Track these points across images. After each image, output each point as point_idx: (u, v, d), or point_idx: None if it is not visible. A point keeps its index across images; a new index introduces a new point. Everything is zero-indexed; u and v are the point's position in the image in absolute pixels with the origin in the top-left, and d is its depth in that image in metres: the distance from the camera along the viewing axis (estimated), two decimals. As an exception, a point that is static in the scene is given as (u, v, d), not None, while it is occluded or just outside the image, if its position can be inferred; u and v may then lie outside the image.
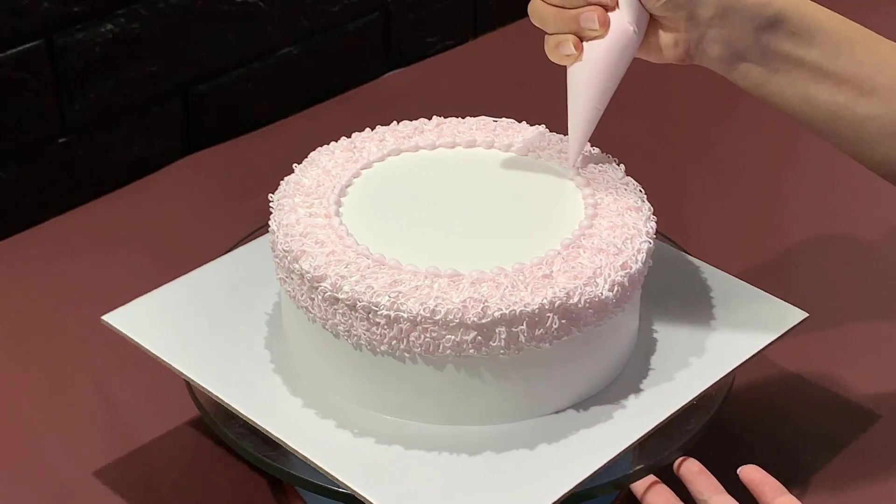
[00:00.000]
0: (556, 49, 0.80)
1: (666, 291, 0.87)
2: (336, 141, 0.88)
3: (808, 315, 0.86)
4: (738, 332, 0.84)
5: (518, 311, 0.73)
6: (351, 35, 1.33)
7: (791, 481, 0.86)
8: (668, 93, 1.27)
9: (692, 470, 0.80)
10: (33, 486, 0.88)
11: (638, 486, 0.80)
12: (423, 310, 0.73)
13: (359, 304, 0.74)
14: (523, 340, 0.74)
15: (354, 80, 1.34)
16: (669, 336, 0.84)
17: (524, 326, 0.73)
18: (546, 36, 0.81)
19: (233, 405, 0.78)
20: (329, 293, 0.75)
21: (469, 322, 0.73)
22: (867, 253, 1.09)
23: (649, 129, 1.21)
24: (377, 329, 0.74)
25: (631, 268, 0.77)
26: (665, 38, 0.80)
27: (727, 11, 0.78)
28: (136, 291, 1.04)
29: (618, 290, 0.76)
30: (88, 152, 1.18)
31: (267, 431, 0.77)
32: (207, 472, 0.89)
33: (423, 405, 0.77)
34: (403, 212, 0.82)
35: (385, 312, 0.73)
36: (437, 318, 0.73)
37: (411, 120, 0.89)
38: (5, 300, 1.04)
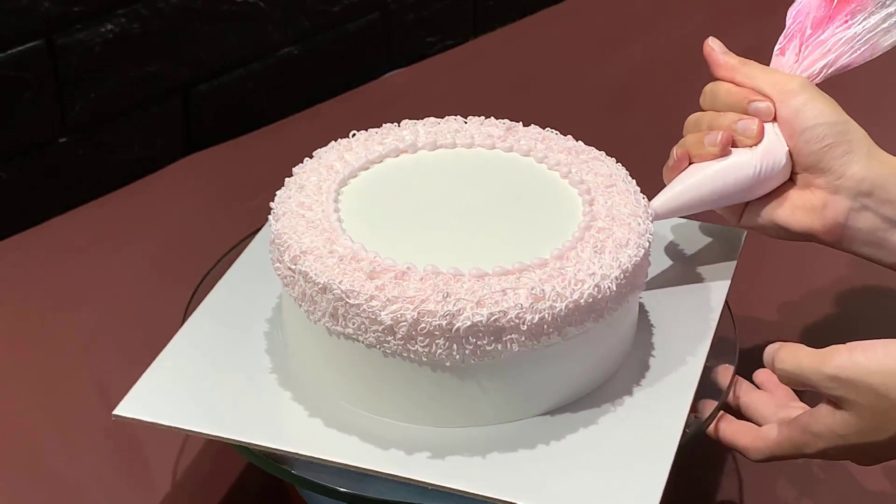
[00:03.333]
0: (704, 139, 0.83)
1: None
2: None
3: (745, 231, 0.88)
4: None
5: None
6: (351, 35, 1.33)
7: (798, 470, 0.87)
8: (668, 93, 1.27)
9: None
10: (33, 486, 0.88)
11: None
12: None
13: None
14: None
15: (354, 80, 1.34)
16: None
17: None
18: (690, 132, 0.85)
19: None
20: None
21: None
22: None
23: (649, 129, 1.21)
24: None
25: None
26: (811, 197, 0.82)
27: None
28: (136, 292, 1.04)
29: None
30: (88, 152, 1.18)
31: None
32: (208, 474, 0.89)
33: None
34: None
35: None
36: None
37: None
38: (5, 300, 1.04)
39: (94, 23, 1.13)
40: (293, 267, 0.76)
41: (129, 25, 1.15)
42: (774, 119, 0.83)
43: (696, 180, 0.83)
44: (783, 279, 1.06)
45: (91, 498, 0.87)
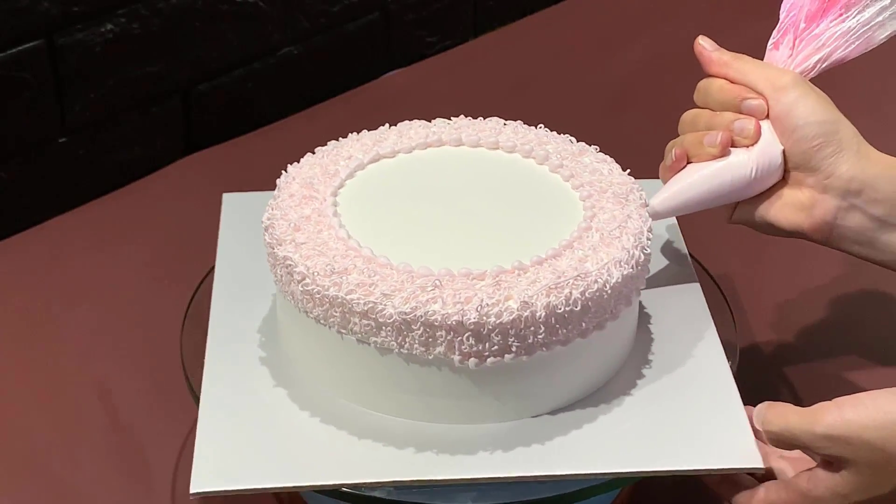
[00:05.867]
0: (703, 140, 0.82)
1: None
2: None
3: None
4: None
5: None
6: (351, 35, 1.33)
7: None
8: (668, 92, 1.27)
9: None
10: (33, 486, 0.88)
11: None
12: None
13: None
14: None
15: (354, 80, 1.34)
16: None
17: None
18: (686, 130, 0.84)
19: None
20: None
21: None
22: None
23: (649, 128, 1.21)
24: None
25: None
26: (800, 195, 0.82)
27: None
28: (136, 291, 1.04)
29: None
30: (88, 152, 1.18)
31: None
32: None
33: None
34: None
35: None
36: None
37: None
38: (5, 300, 1.04)
39: (94, 23, 1.13)
40: (387, 314, 0.74)
41: (129, 25, 1.15)
42: (767, 116, 0.82)
43: (694, 180, 0.83)
44: (783, 279, 1.06)
45: (91, 498, 0.87)
